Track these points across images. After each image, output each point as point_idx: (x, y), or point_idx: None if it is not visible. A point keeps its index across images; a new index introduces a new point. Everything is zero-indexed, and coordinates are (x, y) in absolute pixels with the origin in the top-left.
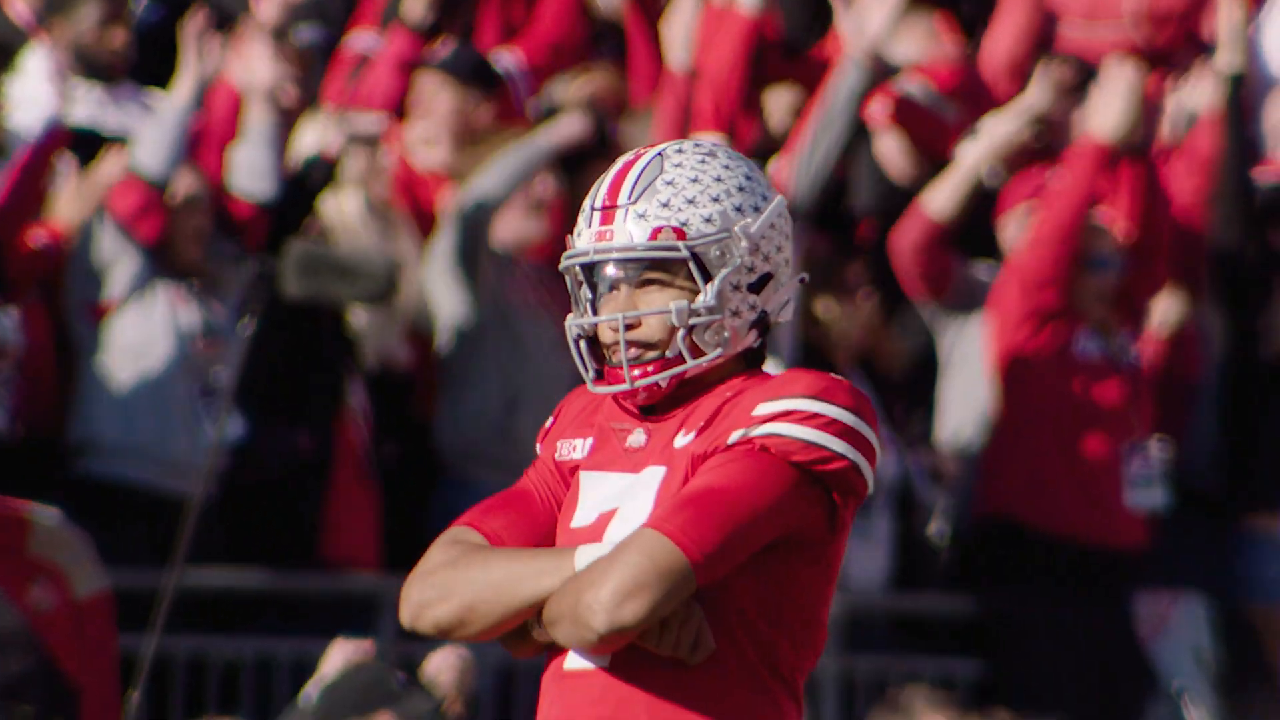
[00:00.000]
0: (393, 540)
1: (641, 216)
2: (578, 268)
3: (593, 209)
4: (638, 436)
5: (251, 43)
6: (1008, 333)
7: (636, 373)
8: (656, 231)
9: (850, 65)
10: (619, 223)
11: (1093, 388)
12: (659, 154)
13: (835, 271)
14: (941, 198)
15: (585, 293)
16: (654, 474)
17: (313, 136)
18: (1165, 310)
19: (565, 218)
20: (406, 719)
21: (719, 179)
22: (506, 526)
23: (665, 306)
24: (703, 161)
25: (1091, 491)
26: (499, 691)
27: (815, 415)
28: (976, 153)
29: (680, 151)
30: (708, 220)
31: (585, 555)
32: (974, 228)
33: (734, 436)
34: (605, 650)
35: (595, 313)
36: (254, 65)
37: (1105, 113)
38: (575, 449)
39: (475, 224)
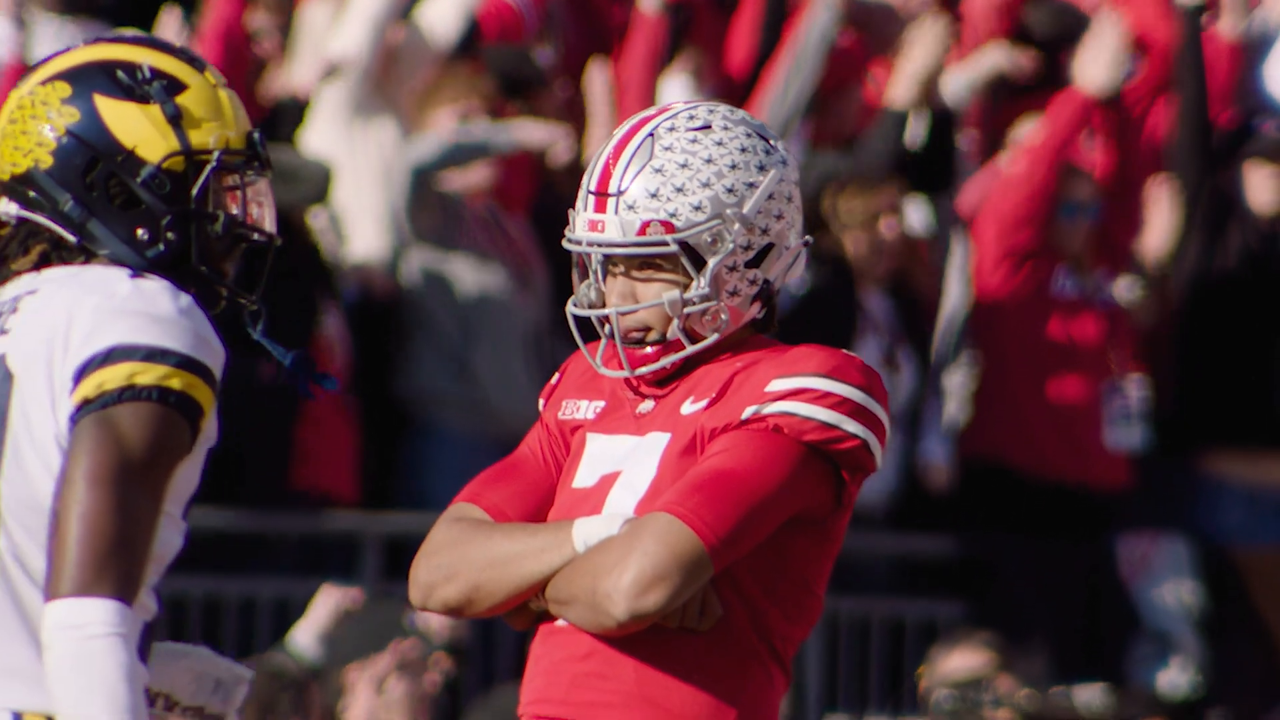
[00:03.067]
0: (373, 479)
1: (631, 208)
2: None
3: (588, 192)
4: (648, 404)
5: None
6: (985, 273)
7: (642, 354)
8: (645, 226)
9: (821, 6)
10: (610, 213)
11: (1071, 327)
12: (650, 134)
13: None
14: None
15: (593, 267)
16: (658, 440)
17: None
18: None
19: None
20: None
21: (709, 160)
22: (508, 498)
23: (659, 298)
24: (694, 141)
25: (1072, 432)
26: (483, 638)
27: (828, 394)
28: None
29: (672, 130)
30: (697, 208)
31: (583, 530)
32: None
33: (746, 412)
34: (621, 635)
35: (604, 287)
36: None
37: (1094, 65)
38: (580, 409)
39: (417, 184)
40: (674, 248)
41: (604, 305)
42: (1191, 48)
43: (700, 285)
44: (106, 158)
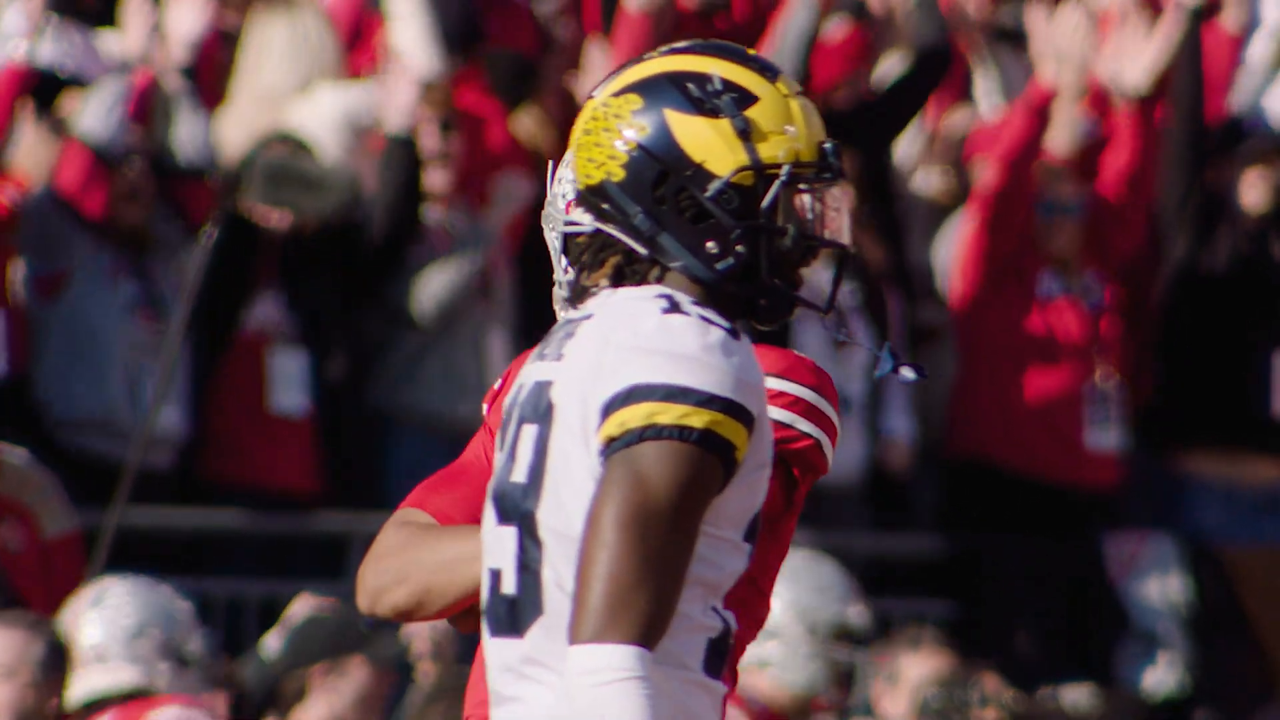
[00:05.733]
0: (354, 480)
1: None
2: None
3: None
4: None
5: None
6: (968, 272)
7: None
8: None
9: (801, 4)
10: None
11: (1055, 325)
12: None
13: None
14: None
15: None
16: None
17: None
18: None
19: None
20: (378, 662)
21: None
22: (453, 503)
23: None
24: None
25: (1058, 431)
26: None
27: (781, 394)
28: None
29: None
30: None
31: None
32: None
33: None
34: None
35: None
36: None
37: (1056, 59)
38: None
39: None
40: None
41: None
42: (1189, 47)
43: None
44: (675, 171)
